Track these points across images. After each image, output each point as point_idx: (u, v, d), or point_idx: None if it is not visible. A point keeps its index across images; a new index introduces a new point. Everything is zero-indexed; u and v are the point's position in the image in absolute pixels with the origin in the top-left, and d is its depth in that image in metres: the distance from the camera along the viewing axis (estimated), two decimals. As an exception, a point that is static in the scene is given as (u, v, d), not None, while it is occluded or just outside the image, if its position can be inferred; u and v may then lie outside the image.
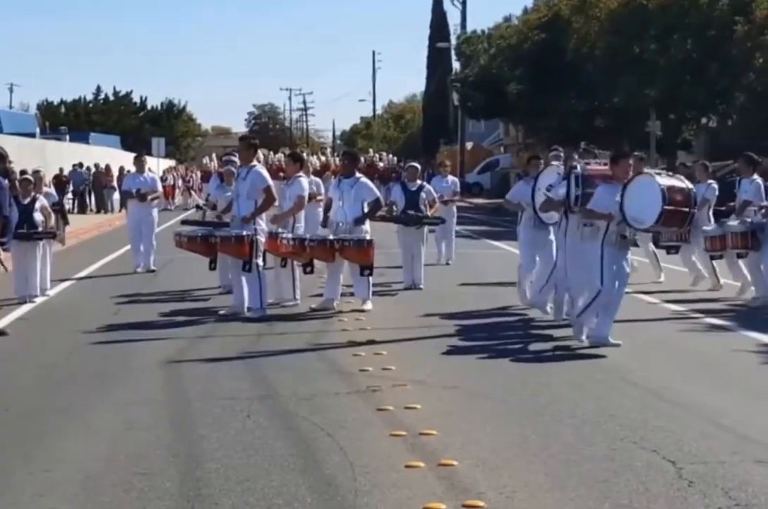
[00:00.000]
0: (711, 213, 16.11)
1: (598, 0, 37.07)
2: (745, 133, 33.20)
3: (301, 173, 14.72)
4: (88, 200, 43.94)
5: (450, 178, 20.87)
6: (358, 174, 14.28)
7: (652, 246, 16.98)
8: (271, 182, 13.60)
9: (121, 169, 43.24)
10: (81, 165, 43.97)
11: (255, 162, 13.90)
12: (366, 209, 13.95)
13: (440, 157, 66.36)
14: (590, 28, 37.32)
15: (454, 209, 20.79)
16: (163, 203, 47.92)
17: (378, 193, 14.41)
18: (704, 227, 15.47)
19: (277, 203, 13.98)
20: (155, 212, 19.83)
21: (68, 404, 8.56)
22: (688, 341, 11.40)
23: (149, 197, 19.43)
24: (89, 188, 43.87)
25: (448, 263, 20.12)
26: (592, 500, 5.96)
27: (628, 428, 7.55)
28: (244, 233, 13.18)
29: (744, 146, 31.10)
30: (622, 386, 9.19)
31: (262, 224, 13.51)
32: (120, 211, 36.98)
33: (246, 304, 13.37)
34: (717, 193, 16.15)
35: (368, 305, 13.89)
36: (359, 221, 13.84)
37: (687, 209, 10.83)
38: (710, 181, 16.24)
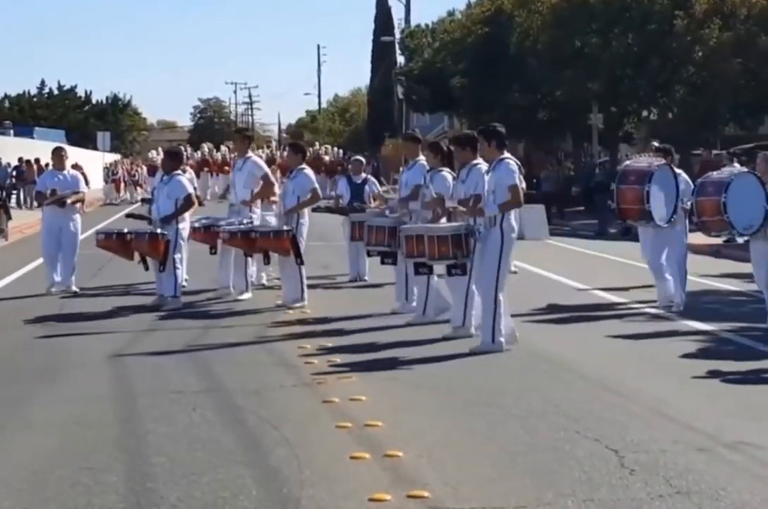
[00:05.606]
0: None
1: (540, -6, 37.28)
2: (685, 125, 33.54)
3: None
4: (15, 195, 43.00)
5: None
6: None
7: None
8: (267, 169, 14.49)
9: (33, 161, 40.47)
10: (20, 160, 43.37)
11: (250, 153, 14.74)
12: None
13: (385, 150, 66.30)
14: (533, 23, 37.44)
15: None
16: (114, 196, 47.65)
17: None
18: None
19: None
20: (77, 219, 15.48)
21: (13, 399, 8.51)
22: (629, 331, 11.50)
23: (69, 201, 15.19)
24: (12, 183, 43.03)
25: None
26: (536, 490, 6.01)
27: (572, 418, 7.63)
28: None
29: (684, 138, 31.62)
30: (567, 376, 9.27)
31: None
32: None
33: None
34: None
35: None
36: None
37: None
38: None
